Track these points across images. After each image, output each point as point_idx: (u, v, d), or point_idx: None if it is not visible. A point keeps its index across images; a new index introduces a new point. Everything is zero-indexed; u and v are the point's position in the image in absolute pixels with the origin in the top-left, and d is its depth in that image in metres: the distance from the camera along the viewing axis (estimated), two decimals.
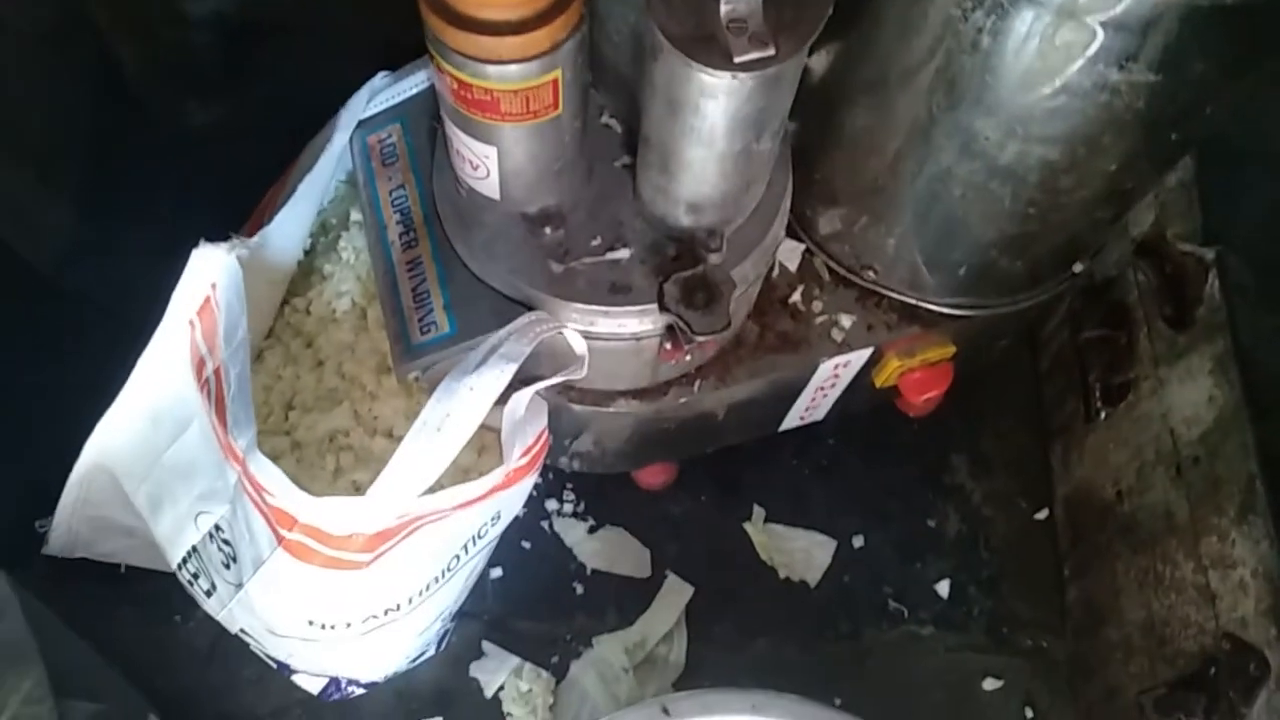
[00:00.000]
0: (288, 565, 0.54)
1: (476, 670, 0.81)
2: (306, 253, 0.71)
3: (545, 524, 0.87)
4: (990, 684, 0.82)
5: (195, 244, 0.51)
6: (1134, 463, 0.72)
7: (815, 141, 0.66)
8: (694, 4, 0.46)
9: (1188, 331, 0.66)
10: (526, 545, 0.86)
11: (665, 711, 0.71)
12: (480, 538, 0.66)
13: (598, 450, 0.78)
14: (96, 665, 0.64)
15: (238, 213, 0.78)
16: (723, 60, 0.45)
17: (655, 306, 0.56)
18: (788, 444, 0.88)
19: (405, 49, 1.03)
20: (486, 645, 0.82)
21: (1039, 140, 0.52)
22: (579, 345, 0.53)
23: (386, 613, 0.62)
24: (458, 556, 0.65)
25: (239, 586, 0.62)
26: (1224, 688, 0.58)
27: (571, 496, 0.88)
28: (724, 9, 0.44)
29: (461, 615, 0.81)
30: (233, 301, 0.52)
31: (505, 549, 0.84)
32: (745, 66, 0.45)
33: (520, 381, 0.55)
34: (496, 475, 0.57)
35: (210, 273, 0.51)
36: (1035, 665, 0.82)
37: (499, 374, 0.49)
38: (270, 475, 0.49)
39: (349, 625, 0.61)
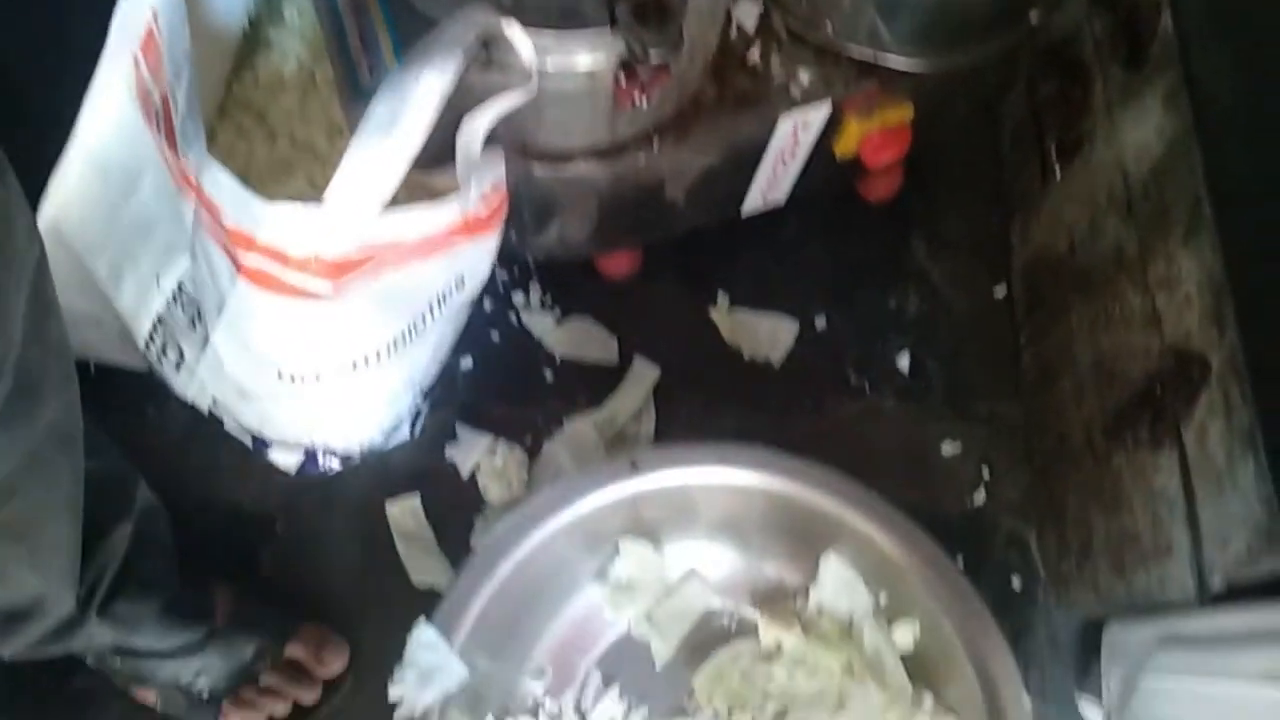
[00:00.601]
0: (250, 298, 0.55)
1: (451, 452, 0.83)
2: (251, 24, 0.69)
3: (513, 316, 0.88)
4: (949, 448, 0.85)
5: None
6: (1087, 213, 0.73)
7: None
8: None
9: (1141, 70, 0.66)
10: (495, 337, 0.87)
11: (634, 465, 0.74)
12: (445, 301, 0.67)
13: (561, 231, 0.78)
14: (91, 425, 0.64)
15: None
16: None
17: (607, 31, 0.56)
18: (751, 230, 0.89)
19: None
20: (460, 428, 0.84)
21: None
22: (524, 46, 0.53)
23: (355, 366, 0.63)
24: (423, 316, 0.66)
25: (206, 342, 0.62)
26: (1167, 398, 0.61)
27: (538, 289, 0.89)
28: None
29: (434, 404, 0.83)
30: (175, 24, 0.51)
31: (474, 340, 0.86)
32: None
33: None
34: (454, 211, 0.57)
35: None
36: (992, 430, 0.85)
37: (444, 62, 0.49)
38: (224, 186, 0.49)
39: (318, 377, 0.62)
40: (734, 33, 0.72)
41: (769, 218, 0.86)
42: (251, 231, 0.50)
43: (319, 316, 0.56)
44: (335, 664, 0.76)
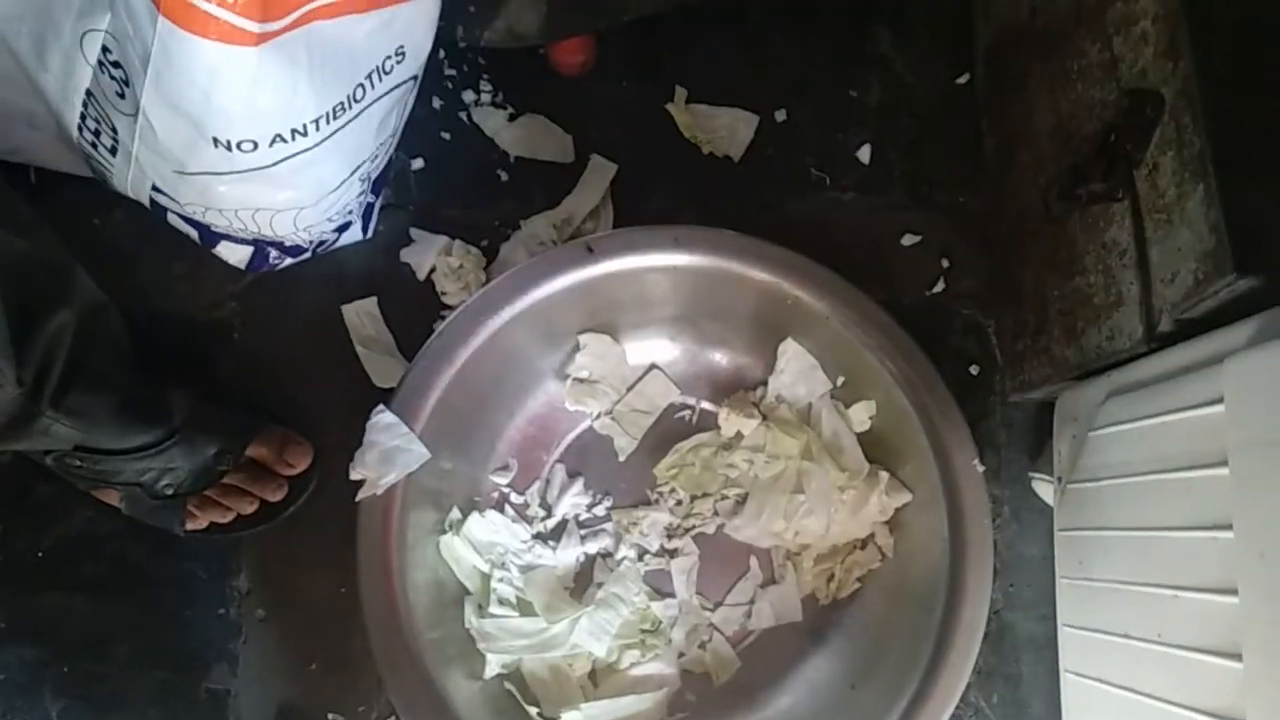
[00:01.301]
0: (174, 43, 0.52)
1: (407, 255, 0.82)
2: None
3: (464, 115, 0.85)
4: (909, 239, 0.84)
5: None
6: None
7: None
8: None
9: None
10: (446, 136, 0.85)
11: (589, 249, 0.73)
12: (385, 74, 0.64)
13: (509, 19, 0.75)
14: (30, 212, 0.62)
15: None
16: None
17: None
18: (709, 20, 0.86)
19: None
20: (414, 231, 0.82)
21: None
22: None
23: (293, 134, 0.61)
24: (361, 86, 0.63)
25: (138, 111, 0.60)
26: (1121, 144, 0.59)
27: (489, 86, 0.86)
28: None
29: (386, 206, 0.81)
30: None
31: (425, 140, 0.83)
32: None
33: None
34: None
35: None
36: (953, 220, 0.84)
37: None
38: None
39: (255, 145, 0.60)
40: None
41: (728, 5, 0.83)
42: None
43: (248, 64, 0.53)
44: (299, 462, 0.77)
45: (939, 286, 0.83)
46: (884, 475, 0.74)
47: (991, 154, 0.83)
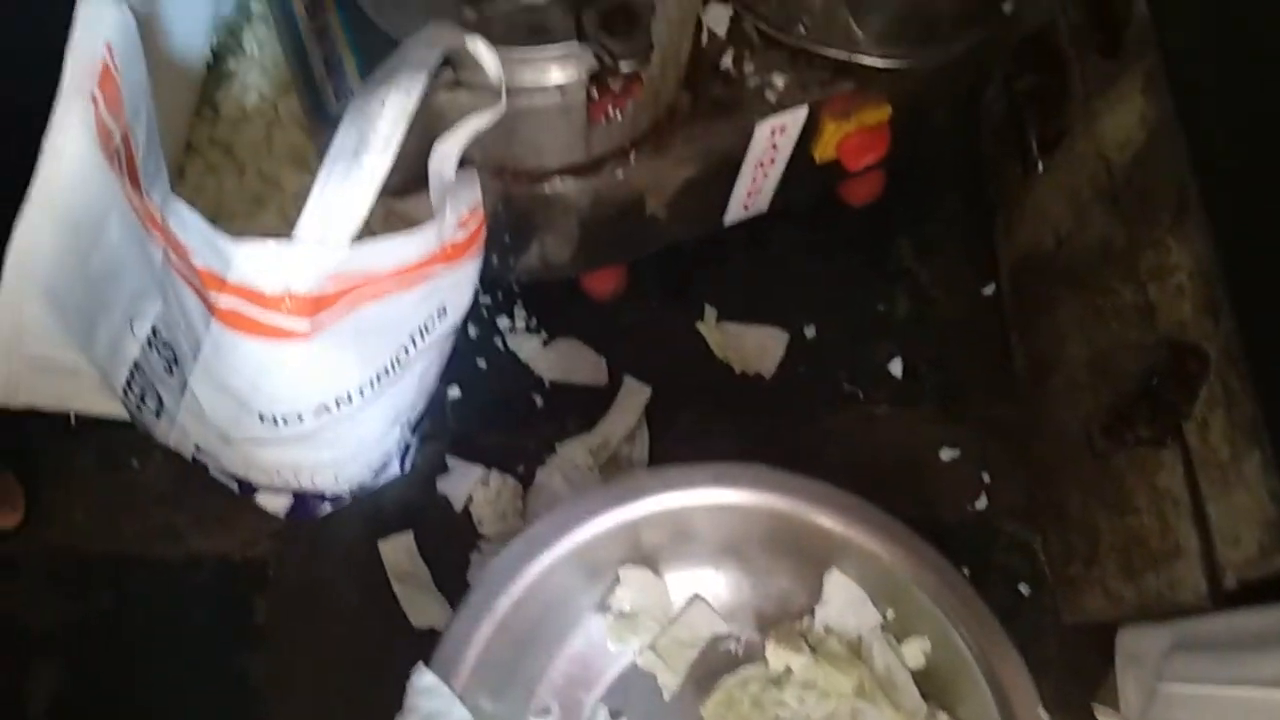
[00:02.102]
0: (226, 340, 0.53)
1: (443, 485, 0.81)
2: (214, 55, 0.68)
3: (499, 341, 0.86)
4: (947, 454, 0.83)
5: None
6: (1072, 206, 0.72)
7: None
8: None
9: (1118, 57, 0.65)
10: (482, 364, 0.86)
11: (629, 491, 0.72)
12: (427, 332, 0.65)
13: (543, 252, 0.77)
14: None
15: None
16: None
17: (577, 46, 0.55)
18: (734, 242, 0.88)
19: None
20: (450, 460, 0.82)
21: None
22: (491, 62, 0.51)
23: (338, 404, 0.61)
24: (405, 349, 0.64)
25: (184, 388, 0.60)
26: (1165, 393, 0.59)
27: (523, 313, 0.87)
28: None
29: (424, 438, 0.81)
30: (131, 60, 0.49)
31: (461, 368, 0.84)
32: None
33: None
34: (430, 238, 0.56)
35: (104, 30, 0.48)
36: (990, 433, 0.84)
37: (409, 83, 0.47)
38: (190, 225, 0.48)
39: (300, 418, 0.60)
40: (705, 39, 0.71)
41: (752, 227, 0.85)
42: (222, 272, 0.49)
43: (298, 355, 0.54)
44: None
45: (981, 502, 0.82)
46: (943, 717, 0.71)
47: (1023, 367, 0.83)
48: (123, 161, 0.50)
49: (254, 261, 0.48)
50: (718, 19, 0.70)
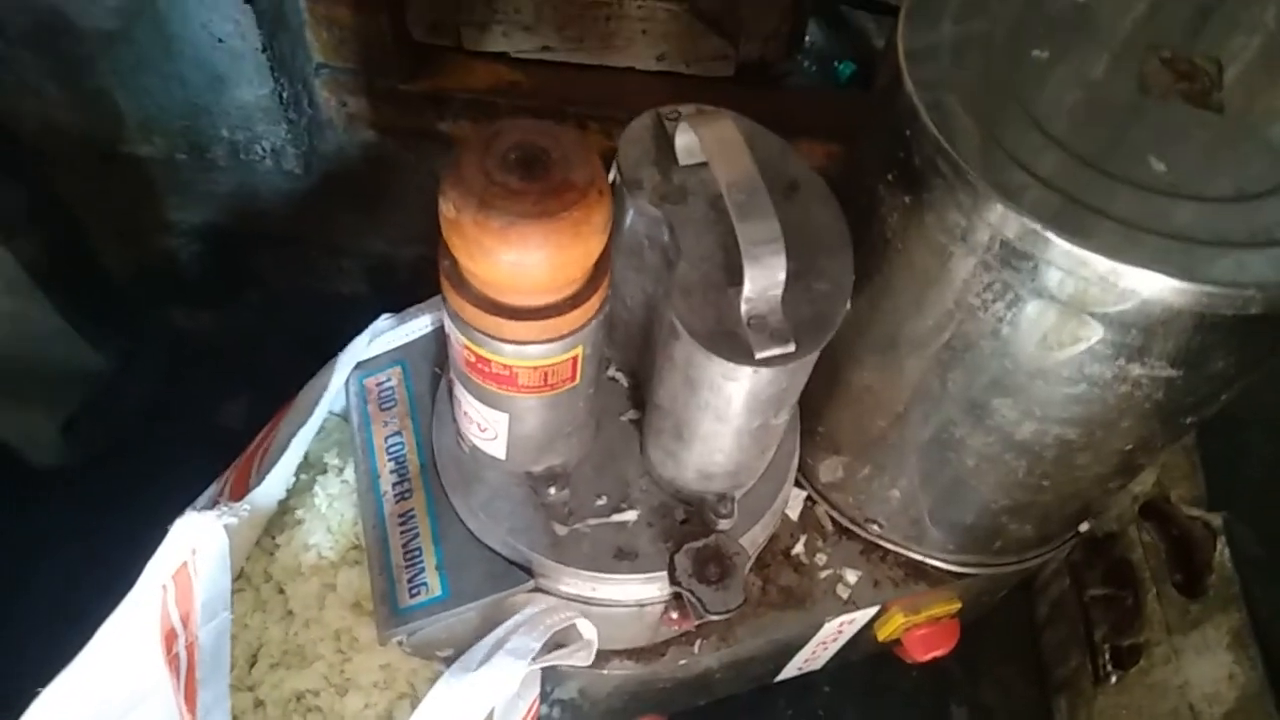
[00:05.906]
0: None
1: None
2: (287, 492, 0.68)
3: None
4: None
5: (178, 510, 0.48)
6: None
7: (819, 391, 0.66)
8: (715, 300, 0.46)
9: (1200, 600, 0.64)
10: None
11: None
12: None
13: (583, 702, 0.73)
14: None
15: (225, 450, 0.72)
16: (744, 356, 0.44)
17: (662, 574, 0.54)
18: (782, 692, 0.84)
19: (399, 265, 1.04)
20: None
21: (1057, 421, 0.52)
22: (589, 633, 0.50)
23: None
24: None
25: None
26: None
27: None
28: (744, 308, 0.44)
29: None
30: (215, 572, 0.48)
31: None
32: (766, 362, 0.44)
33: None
34: None
35: (191, 538, 0.47)
36: None
37: (506, 675, 0.45)
38: None
39: None
40: (778, 522, 0.70)
41: (802, 679, 0.81)
42: None
43: None
44: None
45: None
46: None
47: None
48: (182, 673, 0.48)
49: None
50: (791, 502, 0.70)
